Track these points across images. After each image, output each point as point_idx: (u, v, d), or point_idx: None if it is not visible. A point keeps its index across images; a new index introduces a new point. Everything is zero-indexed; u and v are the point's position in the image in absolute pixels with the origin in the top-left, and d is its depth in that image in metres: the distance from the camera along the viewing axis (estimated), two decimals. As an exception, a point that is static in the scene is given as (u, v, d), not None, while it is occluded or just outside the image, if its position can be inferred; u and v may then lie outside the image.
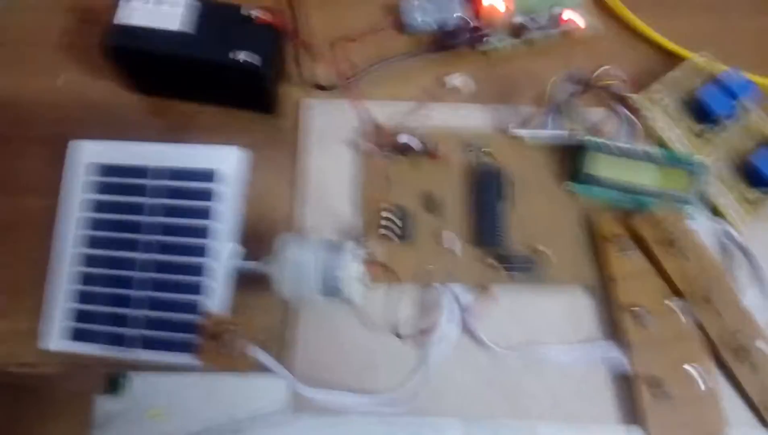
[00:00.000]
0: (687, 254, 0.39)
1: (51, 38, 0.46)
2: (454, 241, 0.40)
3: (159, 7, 0.41)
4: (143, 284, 0.38)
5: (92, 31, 0.40)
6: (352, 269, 0.36)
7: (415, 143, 0.42)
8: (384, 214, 0.40)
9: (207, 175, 0.40)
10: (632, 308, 0.38)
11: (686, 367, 0.37)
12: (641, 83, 0.45)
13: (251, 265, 0.37)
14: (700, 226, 0.40)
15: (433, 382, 0.38)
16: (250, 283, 0.40)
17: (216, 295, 0.37)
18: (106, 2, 0.40)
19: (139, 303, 0.38)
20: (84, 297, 0.39)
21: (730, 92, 0.42)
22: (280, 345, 0.39)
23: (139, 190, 0.40)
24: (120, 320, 0.38)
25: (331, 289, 0.35)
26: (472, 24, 0.45)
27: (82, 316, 0.38)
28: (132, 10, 0.41)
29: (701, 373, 0.37)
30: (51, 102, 0.44)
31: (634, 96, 0.40)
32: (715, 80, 0.43)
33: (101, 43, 0.39)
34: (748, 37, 0.48)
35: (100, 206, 0.40)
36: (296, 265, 0.35)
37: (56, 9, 0.47)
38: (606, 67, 0.40)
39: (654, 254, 0.39)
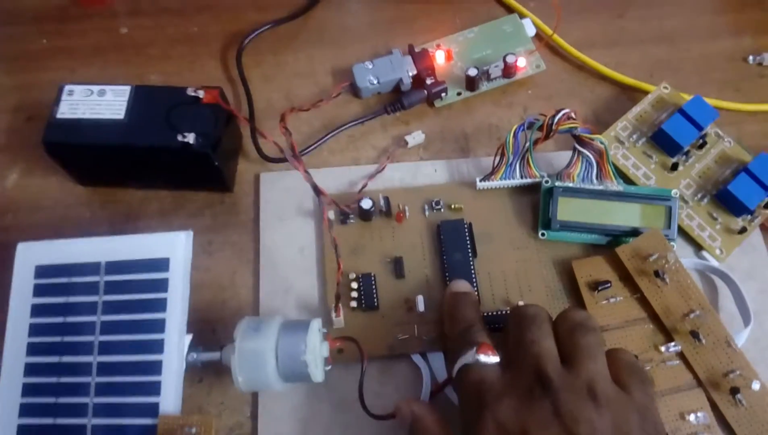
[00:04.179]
0: (672, 285, 0.36)
1: (-1, 140, 0.45)
2: (428, 306, 0.38)
3: (102, 97, 0.40)
4: (98, 389, 0.36)
5: (38, 127, 0.39)
6: (318, 349, 0.34)
7: (377, 207, 0.40)
8: (349, 284, 0.38)
9: (162, 265, 0.38)
10: (624, 359, 0.36)
11: (690, 417, 0.34)
12: (604, 121, 0.44)
13: (208, 356, 0.35)
14: (683, 261, 0.37)
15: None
16: (214, 376, 0.37)
17: (173, 393, 0.35)
18: (52, 97, 0.39)
19: (95, 410, 0.35)
20: (34, 410, 0.36)
21: (696, 122, 0.41)
22: (253, 441, 0.36)
23: (93, 289, 0.38)
24: (73, 432, 0.35)
25: (296, 374, 0.33)
26: (427, 81, 0.45)
27: (30, 433, 0.35)
28: (74, 104, 0.40)
29: (704, 423, 0.34)
30: (-2, 206, 0.43)
31: (600, 136, 0.39)
32: (680, 111, 0.42)
33: (41, 141, 0.38)
34: (699, 64, 0.47)
35: (52, 310, 0.38)
36: (254, 352, 0.32)
37: (2, 109, 0.46)
38: (565, 110, 0.39)
39: (638, 288, 0.37)
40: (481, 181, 0.41)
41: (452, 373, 0.31)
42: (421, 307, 0.38)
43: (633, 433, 0.27)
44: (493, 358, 0.30)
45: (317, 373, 0.34)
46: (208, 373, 0.37)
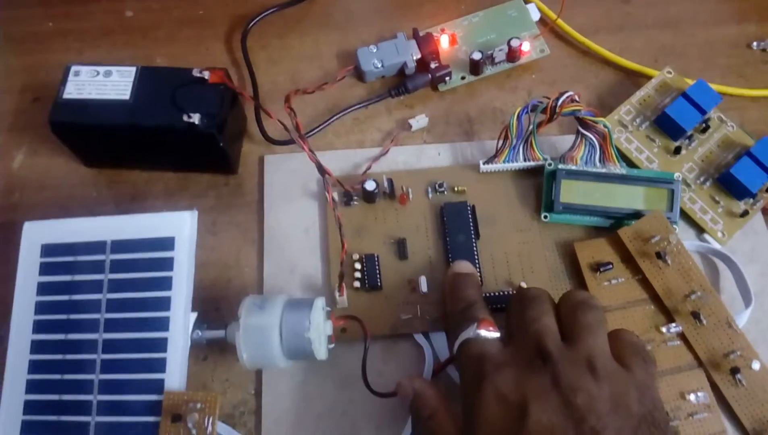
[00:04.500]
0: (674, 266, 0.36)
1: (5, 121, 0.46)
2: (431, 287, 0.38)
3: (108, 78, 0.40)
4: (104, 366, 0.36)
5: (45, 108, 0.39)
6: (322, 327, 0.34)
7: (381, 189, 0.40)
8: (353, 264, 0.38)
9: (167, 244, 0.38)
10: (625, 340, 0.36)
11: (690, 397, 0.34)
12: (608, 105, 0.44)
13: (212, 334, 0.35)
14: (684, 244, 0.38)
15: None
16: (219, 354, 0.38)
17: (178, 370, 0.35)
18: (59, 78, 0.40)
19: (101, 387, 0.36)
20: (40, 386, 0.36)
21: (699, 106, 0.41)
22: (257, 418, 0.36)
23: (99, 267, 0.38)
24: (79, 408, 0.35)
25: (300, 351, 0.33)
26: (431, 65, 0.45)
27: (36, 408, 0.36)
28: (81, 84, 0.40)
29: (704, 402, 0.34)
30: (4, 186, 0.43)
31: (603, 119, 0.39)
32: (683, 95, 0.42)
33: (48, 121, 0.39)
34: (704, 49, 0.47)
35: (58, 288, 0.38)
36: (259, 329, 0.33)
37: (10, 90, 0.47)
38: (569, 93, 0.39)
39: (639, 269, 0.37)
40: (484, 163, 0.41)
41: (453, 349, 0.32)
42: (424, 287, 0.38)
43: (631, 407, 0.27)
44: (493, 334, 0.31)
45: (321, 351, 0.34)
46: (212, 351, 0.38)
